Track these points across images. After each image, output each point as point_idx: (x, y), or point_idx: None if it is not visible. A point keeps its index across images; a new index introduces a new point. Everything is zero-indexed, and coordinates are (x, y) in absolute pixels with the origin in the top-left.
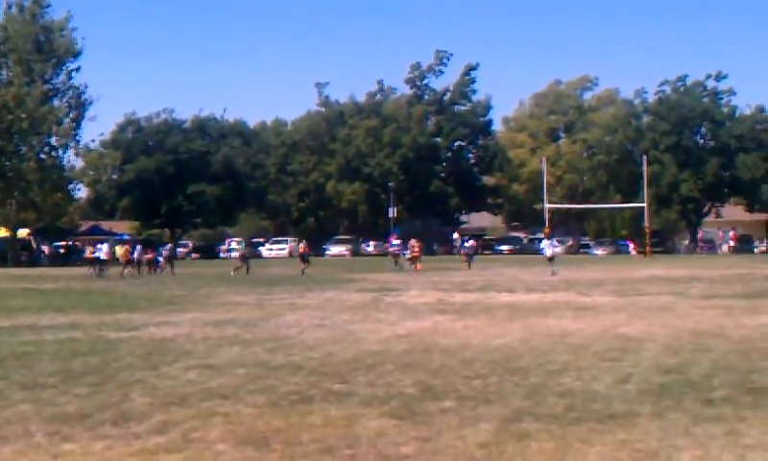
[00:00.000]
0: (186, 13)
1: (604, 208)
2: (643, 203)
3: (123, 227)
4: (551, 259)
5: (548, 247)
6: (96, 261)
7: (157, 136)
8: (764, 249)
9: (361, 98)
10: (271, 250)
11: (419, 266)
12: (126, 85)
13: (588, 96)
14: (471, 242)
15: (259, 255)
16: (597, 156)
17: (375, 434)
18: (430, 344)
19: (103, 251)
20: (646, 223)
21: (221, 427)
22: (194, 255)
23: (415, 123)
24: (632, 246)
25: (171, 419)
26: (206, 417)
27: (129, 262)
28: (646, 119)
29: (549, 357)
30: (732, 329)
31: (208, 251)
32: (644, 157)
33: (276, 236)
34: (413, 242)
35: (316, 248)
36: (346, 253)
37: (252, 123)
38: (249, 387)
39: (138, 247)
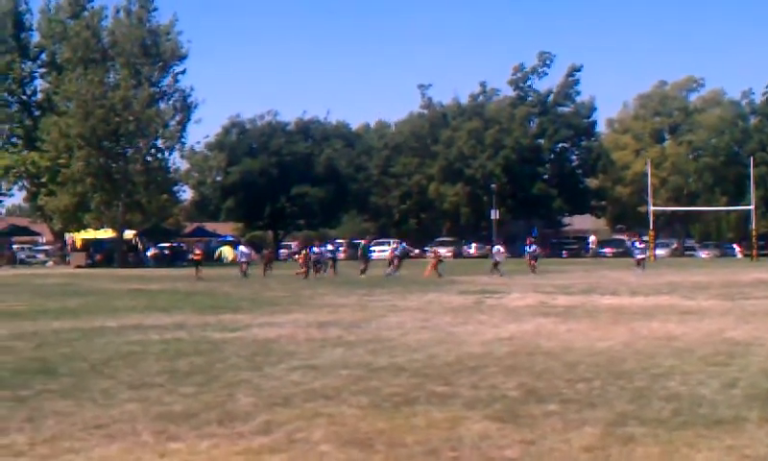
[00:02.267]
0: (290, 15)
1: (709, 211)
2: (750, 205)
3: (227, 228)
4: (496, 265)
5: (496, 254)
6: (242, 264)
7: (261, 138)
8: None
9: (464, 100)
10: (373, 251)
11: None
12: (231, 88)
13: (693, 97)
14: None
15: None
16: (703, 157)
17: (479, 437)
18: (533, 347)
19: (245, 254)
20: (753, 226)
21: (324, 428)
22: (297, 257)
23: (517, 124)
24: (738, 249)
25: (275, 419)
26: (310, 418)
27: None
28: (753, 120)
29: (654, 361)
30: None
31: None
32: (751, 158)
33: (379, 238)
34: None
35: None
36: (448, 254)
37: (355, 125)
38: (352, 388)
39: (318, 248)
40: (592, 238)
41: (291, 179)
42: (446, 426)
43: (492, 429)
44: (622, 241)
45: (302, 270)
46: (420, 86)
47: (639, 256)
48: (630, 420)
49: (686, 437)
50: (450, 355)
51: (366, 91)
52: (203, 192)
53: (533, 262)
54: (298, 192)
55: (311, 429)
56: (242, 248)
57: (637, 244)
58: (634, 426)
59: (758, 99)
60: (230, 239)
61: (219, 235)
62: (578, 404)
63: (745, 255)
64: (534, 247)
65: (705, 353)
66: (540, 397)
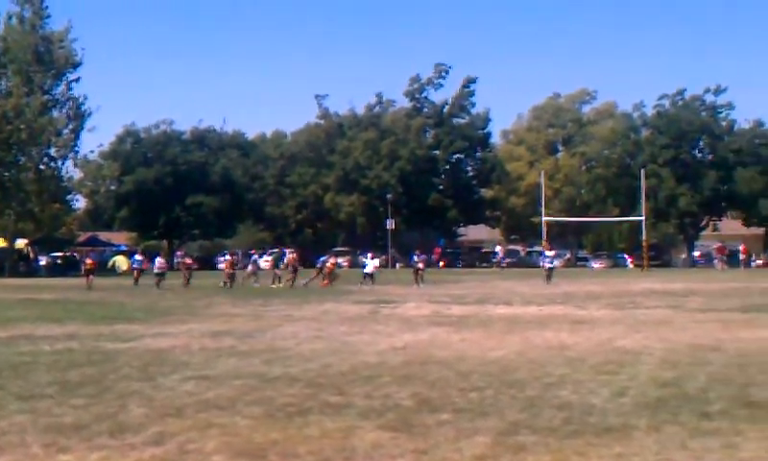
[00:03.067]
0: (186, 24)
1: (602, 222)
2: (641, 216)
3: (121, 238)
4: (371, 276)
5: (369, 265)
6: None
7: (156, 147)
8: (761, 263)
9: (360, 110)
10: (267, 261)
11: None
12: (126, 96)
13: (586, 109)
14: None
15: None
16: (595, 169)
17: (372, 446)
18: (427, 356)
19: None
20: (644, 236)
21: (217, 439)
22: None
23: (413, 135)
24: (629, 259)
25: (167, 430)
26: (203, 428)
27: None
28: (645, 133)
29: (546, 370)
30: (729, 343)
31: (207, 262)
32: (642, 170)
33: (274, 248)
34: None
35: (312, 259)
36: (344, 264)
37: (252, 135)
38: (245, 399)
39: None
40: (499, 248)
41: (186, 188)
42: (340, 436)
43: (385, 439)
44: (516, 251)
45: (324, 281)
46: (317, 97)
47: (549, 266)
48: (521, 429)
49: (577, 445)
50: (345, 365)
51: (262, 101)
52: (96, 201)
53: (419, 271)
54: (193, 202)
55: (204, 440)
56: (137, 256)
57: (547, 253)
58: (525, 435)
59: (650, 112)
60: (124, 249)
61: (113, 245)
62: (470, 413)
63: (636, 266)
64: (422, 257)
65: (596, 362)
66: (434, 406)
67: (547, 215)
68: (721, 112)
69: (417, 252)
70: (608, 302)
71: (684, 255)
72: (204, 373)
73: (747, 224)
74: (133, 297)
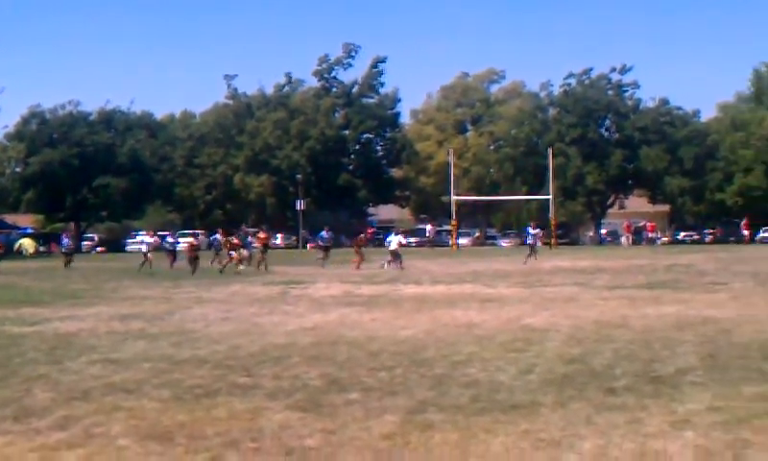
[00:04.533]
0: (93, 3)
1: (510, 201)
2: (549, 195)
3: (27, 220)
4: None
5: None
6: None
7: (62, 129)
8: (666, 240)
9: (269, 90)
10: (178, 243)
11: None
12: (31, 77)
13: (494, 89)
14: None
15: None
16: (504, 148)
17: (280, 427)
18: (337, 336)
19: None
20: (552, 215)
21: (124, 422)
22: (100, 249)
23: (322, 116)
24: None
25: (73, 414)
26: (109, 412)
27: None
28: (552, 112)
29: (455, 348)
30: (635, 319)
31: (114, 244)
32: (550, 149)
33: (184, 229)
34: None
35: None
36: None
37: (160, 115)
38: (153, 381)
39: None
40: (429, 227)
41: (93, 169)
42: (248, 417)
43: (293, 419)
44: (424, 230)
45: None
46: (226, 77)
47: (531, 243)
48: (429, 407)
49: (484, 422)
50: (254, 346)
51: (171, 81)
52: (2, 183)
53: (324, 253)
54: (100, 183)
55: (110, 424)
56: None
57: (530, 230)
58: (433, 413)
59: (557, 91)
60: (30, 231)
61: (19, 227)
62: (379, 393)
63: (544, 244)
64: (328, 235)
65: (504, 340)
66: (343, 386)
67: (456, 195)
68: (627, 91)
69: (326, 229)
70: (516, 280)
71: (591, 233)
72: (112, 356)
73: (653, 201)
74: (41, 280)
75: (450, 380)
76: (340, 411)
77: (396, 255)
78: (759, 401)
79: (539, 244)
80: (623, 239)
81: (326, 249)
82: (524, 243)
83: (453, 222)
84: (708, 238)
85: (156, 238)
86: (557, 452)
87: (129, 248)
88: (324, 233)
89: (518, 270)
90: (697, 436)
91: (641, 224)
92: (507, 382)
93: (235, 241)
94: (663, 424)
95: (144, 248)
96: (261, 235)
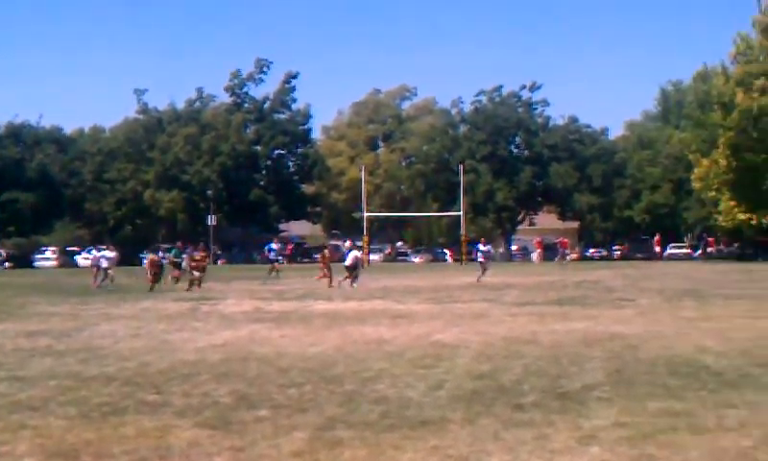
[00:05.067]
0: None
1: (421, 217)
2: (460, 211)
3: None
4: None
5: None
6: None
7: None
8: (575, 256)
9: (180, 105)
10: (87, 259)
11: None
12: None
13: (406, 106)
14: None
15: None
16: (415, 165)
17: (188, 445)
18: (246, 353)
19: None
20: (462, 231)
21: (29, 441)
22: (7, 265)
23: (234, 131)
24: (449, 254)
25: None
26: (15, 430)
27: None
28: (463, 129)
29: (364, 365)
30: (544, 335)
31: (23, 260)
32: (461, 166)
33: (93, 246)
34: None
35: (132, 256)
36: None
37: (69, 130)
38: (60, 399)
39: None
40: (347, 243)
41: (1, 184)
42: (156, 435)
43: (202, 437)
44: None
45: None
46: (136, 91)
47: (482, 259)
48: (338, 423)
49: (393, 439)
50: (163, 363)
51: (80, 95)
52: None
53: (271, 266)
54: (8, 198)
55: (15, 442)
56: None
57: (481, 247)
58: (342, 430)
59: (467, 108)
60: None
61: None
62: (289, 410)
63: (455, 260)
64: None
65: (413, 356)
66: (252, 403)
67: (368, 211)
68: (536, 109)
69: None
70: (427, 296)
71: (501, 249)
72: (18, 373)
73: (562, 218)
74: None
75: (360, 397)
76: (249, 428)
77: (351, 270)
78: (664, 417)
79: (489, 260)
80: (534, 255)
81: (274, 262)
82: (475, 260)
83: (365, 238)
84: (617, 254)
85: (116, 254)
86: None
87: (37, 263)
88: (272, 245)
89: (428, 286)
90: (603, 451)
91: (556, 240)
92: (416, 398)
93: (198, 257)
94: (570, 440)
95: (105, 263)
96: (201, 254)
